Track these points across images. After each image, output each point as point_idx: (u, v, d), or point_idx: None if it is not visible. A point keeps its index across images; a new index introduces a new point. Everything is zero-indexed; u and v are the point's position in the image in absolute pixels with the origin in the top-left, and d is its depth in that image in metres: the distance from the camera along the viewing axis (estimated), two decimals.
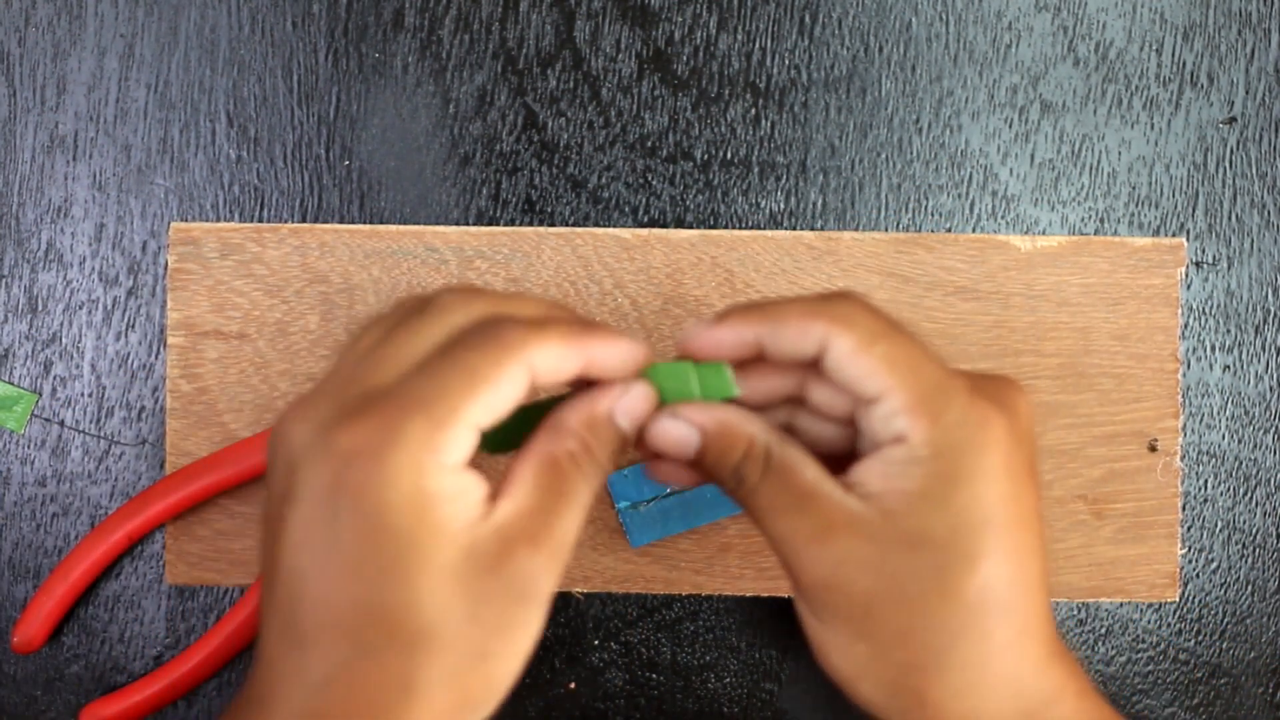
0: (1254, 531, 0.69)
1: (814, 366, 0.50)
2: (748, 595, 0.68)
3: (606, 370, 0.49)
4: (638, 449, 0.52)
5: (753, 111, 0.69)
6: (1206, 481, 0.69)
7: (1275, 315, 0.69)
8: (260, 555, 0.51)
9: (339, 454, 0.44)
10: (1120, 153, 0.69)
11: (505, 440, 0.49)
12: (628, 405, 0.50)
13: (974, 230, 0.69)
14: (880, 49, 0.69)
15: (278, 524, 0.46)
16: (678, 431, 0.50)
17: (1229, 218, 0.69)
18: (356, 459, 0.43)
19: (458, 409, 0.45)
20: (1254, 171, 0.69)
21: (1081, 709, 0.50)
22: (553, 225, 0.69)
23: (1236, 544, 0.69)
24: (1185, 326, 0.69)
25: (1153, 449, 0.68)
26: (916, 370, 0.47)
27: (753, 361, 0.51)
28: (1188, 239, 0.69)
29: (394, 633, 0.44)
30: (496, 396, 0.46)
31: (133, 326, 0.69)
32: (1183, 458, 0.69)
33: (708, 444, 0.50)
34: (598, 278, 0.67)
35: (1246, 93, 0.69)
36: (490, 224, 0.69)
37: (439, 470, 0.44)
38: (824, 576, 0.48)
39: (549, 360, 0.47)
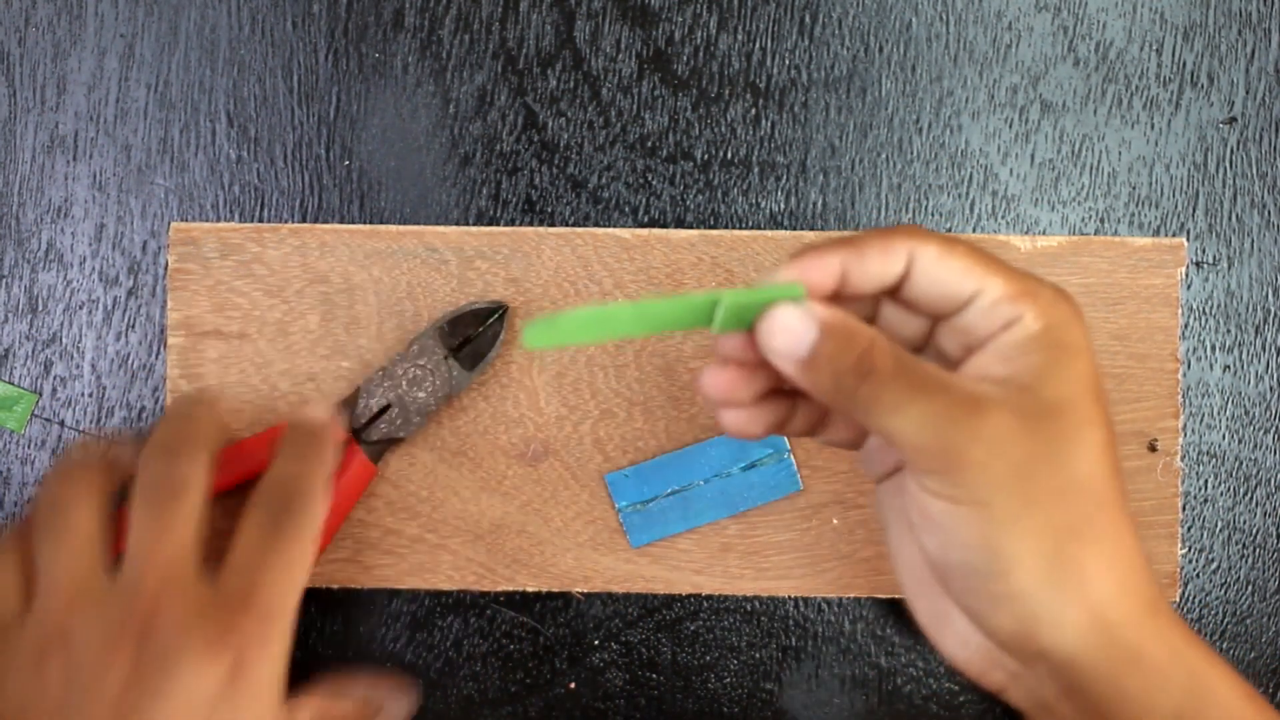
0: (1254, 531, 0.69)
1: (888, 294, 0.51)
2: (748, 595, 0.68)
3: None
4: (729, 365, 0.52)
5: (753, 111, 0.69)
6: (1206, 481, 0.69)
7: (1275, 315, 0.69)
8: None
9: (227, 656, 0.49)
10: (1120, 153, 0.69)
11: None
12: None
13: (974, 230, 0.69)
14: (880, 49, 0.69)
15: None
16: (795, 323, 0.48)
17: (1229, 218, 0.69)
18: (245, 657, 0.50)
19: (293, 606, 0.53)
20: (1254, 171, 0.69)
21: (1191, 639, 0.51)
22: (553, 225, 0.69)
23: (1236, 544, 0.69)
24: (1185, 326, 0.69)
25: (1153, 449, 0.68)
26: (999, 264, 0.49)
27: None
28: (1188, 239, 0.69)
29: None
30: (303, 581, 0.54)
31: (133, 326, 0.69)
32: (1183, 458, 0.69)
33: (828, 338, 0.48)
34: (597, 278, 0.67)
35: (1246, 93, 0.69)
36: (490, 224, 0.69)
37: (284, 662, 0.52)
38: (980, 455, 0.47)
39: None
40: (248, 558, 0.51)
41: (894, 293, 0.51)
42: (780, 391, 0.53)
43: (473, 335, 0.65)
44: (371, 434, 0.64)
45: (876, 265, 0.49)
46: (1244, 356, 0.69)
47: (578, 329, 0.47)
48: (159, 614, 0.48)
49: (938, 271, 0.49)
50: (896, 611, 0.69)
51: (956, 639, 0.52)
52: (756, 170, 0.69)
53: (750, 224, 0.69)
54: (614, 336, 0.48)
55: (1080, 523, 0.48)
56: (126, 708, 0.47)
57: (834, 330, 0.48)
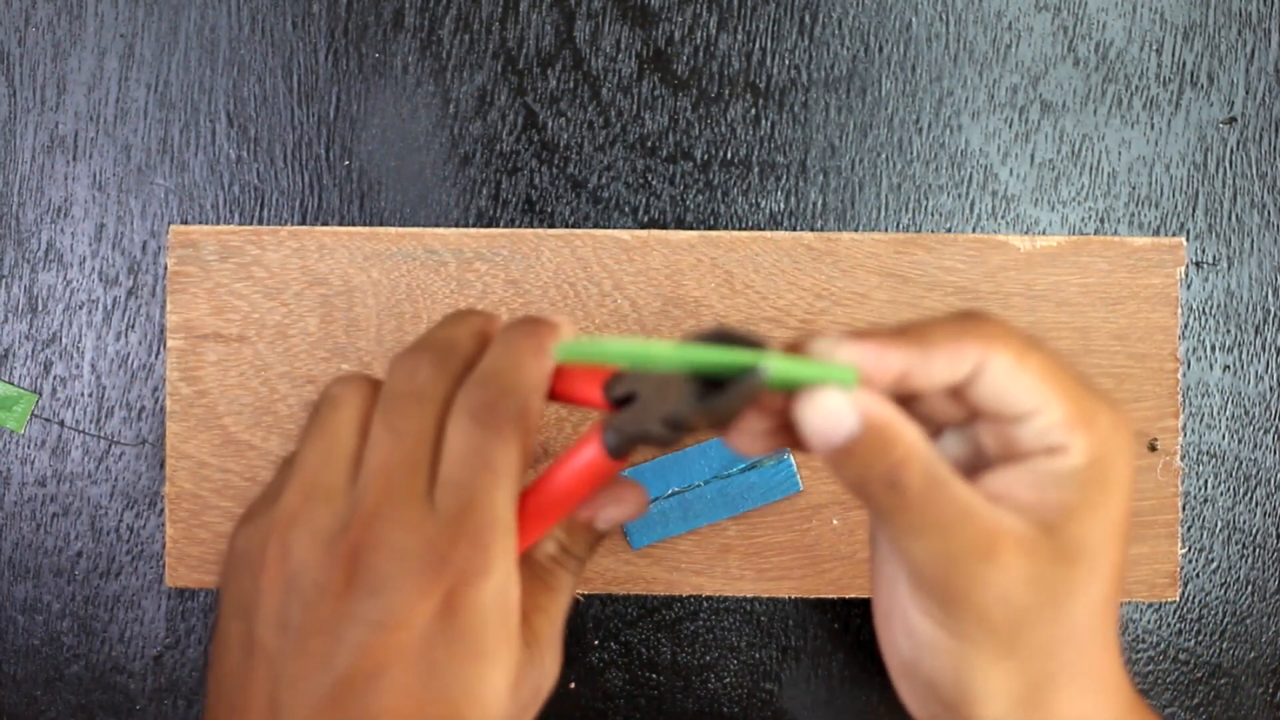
0: (1254, 531, 0.69)
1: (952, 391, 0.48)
2: (748, 596, 0.68)
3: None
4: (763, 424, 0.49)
5: (753, 111, 0.69)
6: (1206, 481, 0.69)
7: (1275, 315, 0.69)
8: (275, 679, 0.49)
9: (440, 584, 0.46)
10: (1120, 153, 0.69)
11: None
12: (612, 515, 0.54)
13: (974, 230, 0.69)
14: (880, 49, 0.69)
15: (325, 644, 0.47)
16: (838, 411, 0.45)
17: (1229, 218, 0.69)
18: (461, 587, 0.46)
19: (514, 520, 0.48)
20: (1254, 171, 0.69)
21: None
22: (553, 225, 0.69)
23: (1236, 544, 0.69)
24: (1185, 326, 0.69)
25: (1153, 449, 0.68)
26: (1068, 382, 0.46)
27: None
28: (1188, 239, 0.69)
29: None
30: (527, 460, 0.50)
31: (133, 326, 0.69)
32: (1183, 458, 0.69)
33: (867, 437, 0.45)
34: (597, 279, 0.67)
35: (1246, 93, 0.69)
36: (490, 224, 0.69)
37: (516, 583, 0.48)
38: (980, 600, 0.46)
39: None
40: (457, 471, 0.48)
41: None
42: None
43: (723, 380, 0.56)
44: (615, 421, 0.52)
45: (942, 370, 0.46)
46: (1244, 356, 0.69)
47: (614, 360, 0.47)
48: (374, 536, 0.47)
49: (1005, 384, 0.46)
50: None
51: (910, 693, 0.52)
52: (756, 170, 0.69)
53: (750, 224, 0.69)
54: (650, 369, 0.48)
55: (1061, 670, 0.47)
56: (341, 631, 0.46)
57: (875, 431, 0.45)
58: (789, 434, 0.48)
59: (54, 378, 0.69)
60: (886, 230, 0.69)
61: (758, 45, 0.69)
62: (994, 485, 0.47)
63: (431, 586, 0.46)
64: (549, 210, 0.69)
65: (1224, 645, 0.70)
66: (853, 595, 0.68)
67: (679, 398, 0.50)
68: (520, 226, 0.69)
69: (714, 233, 0.68)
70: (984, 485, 0.47)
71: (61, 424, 0.69)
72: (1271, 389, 0.69)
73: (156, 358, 0.68)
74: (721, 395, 0.48)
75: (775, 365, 0.45)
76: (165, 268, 0.68)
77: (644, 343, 0.46)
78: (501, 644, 0.47)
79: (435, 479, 0.48)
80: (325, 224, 0.69)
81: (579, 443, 0.51)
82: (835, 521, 0.67)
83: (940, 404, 0.50)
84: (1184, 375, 0.69)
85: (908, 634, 0.49)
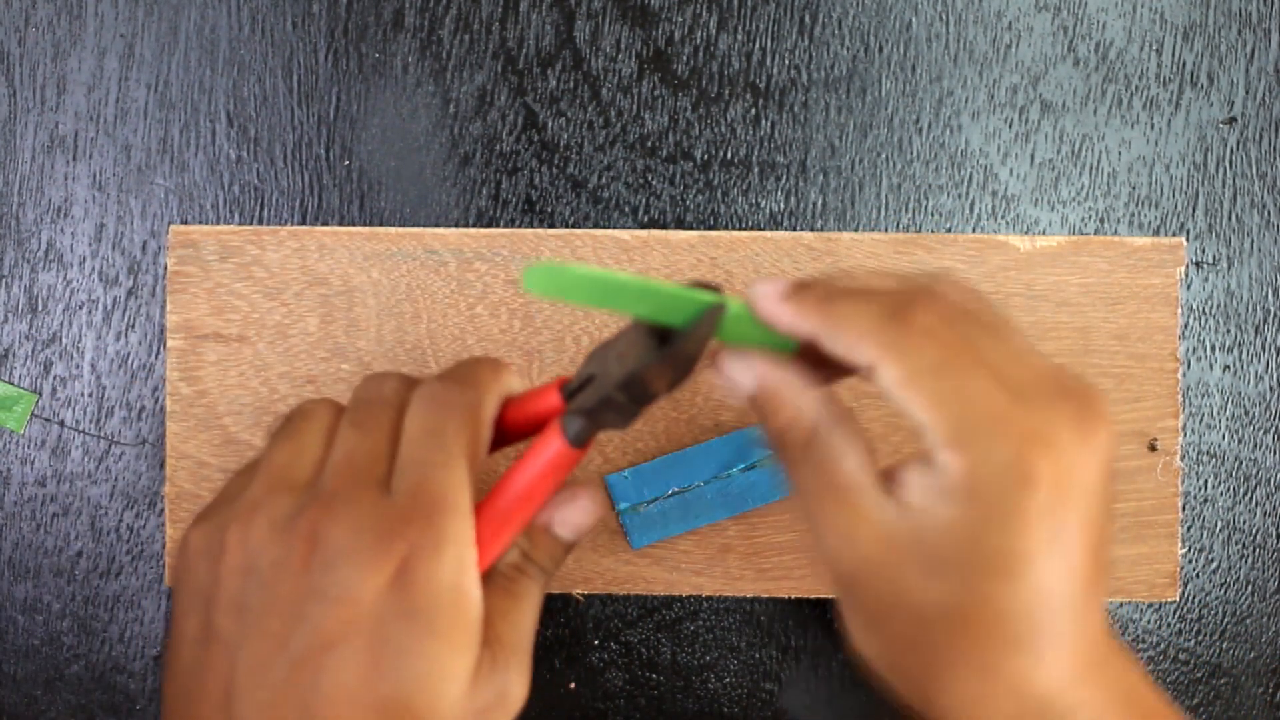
0: (1254, 531, 0.69)
1: None
2: (748, 596, 0.68)
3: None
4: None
5: (753, 111, 0.69)
6: (1206, 481, 0.69)
7: (1275, 315, 0.69)
8: (218, 657, 0.49)
9: (393, 557, 0.47)
10: (1120, 153, 0.69)
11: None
12: (568, 518, 0.54)
13: (974, 230, 0.69)
14: (880, 49, 0.69)
15: (281, 623, 0.47)
16: (736, 374, 0.51)
17: (1229, 218, 0.69)
18: (413, 560, 0.47)
19: (468, 519, 0.48)
20: (1254, 171, 0.69)
21: None
22: (553, 225, 0.69)
23: (1236, 544, 0.69)
24: (1185, 326, 0.69)
25: (1153, 449, 0.68)
26: (968, 404, 0.45)
27: None
28: (1188, 239, 0.69)
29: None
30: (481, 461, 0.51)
31: (133, 326, 0.69)
32: (1183, 458, 0.69)
33: (758, 398, 0.50)
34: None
35: (1246, 93, 0.69)
36: (490, 224, 0.69)
37: (473, 568, 0.48)
38: (846, 571, 0.48)
39: (495, 416, 0.52)
40: (410, 451, 0.49)
41: None
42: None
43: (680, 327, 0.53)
44: (571, 405, 0.53)
45: (843, 355, 0.48)
46: (1244, 356, 0.69)
47: (580, 287, 0.47)
48: (330, 513, 0.47)
49: (890, 393, 0.47)
50: None
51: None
52: (756, 170, 0.69)
53: (750, 224, 0.69)
54: (613, 307, 0.48)
55: (932, 673, 0.49)
56: (296, 608, 0.47)
57: (766, 394, 0.50)
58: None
59: (54, 378, 0.69)
60: (886, 230, 0.69)
61: (758, 45, 0.69)
62: (902, 473, 0.48)
63: (383, 559, 0.46)
64: (549, 210, 0.69)
65: (1224, 645, 0.70)
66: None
67: (637, 356, 0.50)
68: (520, 226, 0.69)
69: (714, 233, 0.68)
70: (899, 471, 0.48)
71: (61, 424, 0.69)
72: (1271, 389, 0.69)
73: (156, 358, 0.68)
74: (677, 338, 0.48)
75: (734, 305, 0.48)
76: (165, 268, 0.68)
77: (610, 273, 0.47)
78: (457, 627, 0.47)
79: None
80: (325, 224, 0.69)
81: (537, 439, 0.52)
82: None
83: None
84: (1184, 375, 0.69)
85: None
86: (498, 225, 0.69)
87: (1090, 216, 0.69)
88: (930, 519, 0.46)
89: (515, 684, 0.50)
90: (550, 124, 0.69)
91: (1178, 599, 0.68)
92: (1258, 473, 0.69)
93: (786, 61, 0.69)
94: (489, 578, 0.51)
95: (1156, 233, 0.69)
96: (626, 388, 0.50)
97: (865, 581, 0.48)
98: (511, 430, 0.53)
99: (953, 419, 0.46)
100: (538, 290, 0.47)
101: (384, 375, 0.53)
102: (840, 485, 0.48)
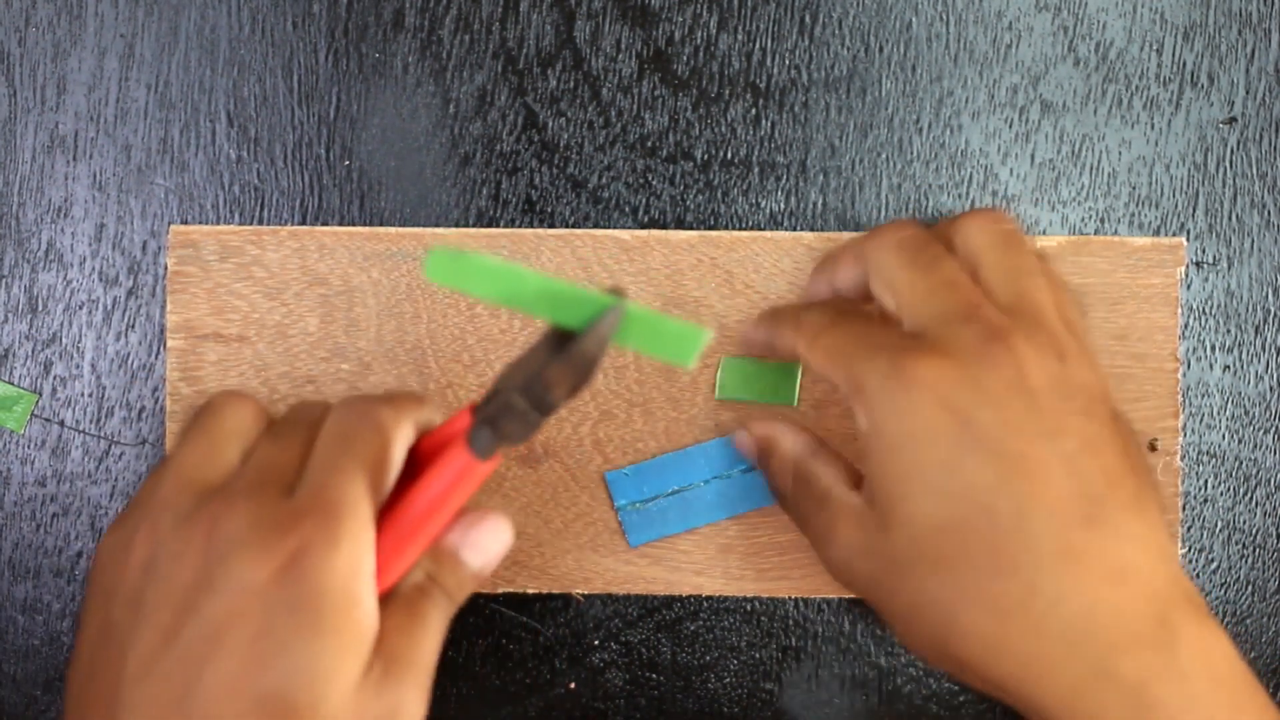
0: (1254, 531, 0.69)
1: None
2: (748, 596, 0.68)
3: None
4: None
5: (753, 111, 0.69)
6: (1206, 481, 0.69)
7: (1275, 315, 0.69)
8: (107, 650, 0.50)
9: (284, 550, 0.47)
10: (1120, 153, 0.69)
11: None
12: (475, 540, 0.54)
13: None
14: (880, 49, 0.69)
15: (172, 614, 0.47)
16: (743, 443, 0.64)
17: (1229, 218, 0.69)
18: (303, 554, 0.47)
19: (368, 516, 0.49)
20: (1254, 171, 0.69)
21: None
22: (553, 225, 0.69)
23: (1236, 544, 0.69)
24: (1185, 326, 0.69)
25: (1153, 449, 0.68)
26: (848, 352, 0.51)
27: None
28: (1188, 239, 0.69)
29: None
30: (389, 484, 0.51)
31: (133, 326, 0.69)
32: (1183, 458, 0.69)
33: (758, 453, 0.63)
34: (597, 279, 0.67)
35: (1246, 93, 0.69)
36: (490, 224, 0.69)
37: (368, 575, 0.48)
38: (838, 566, 0.56)
39: (419, 420, 0.53)
40: (315, 457, 0.49)
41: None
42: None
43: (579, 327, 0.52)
44: (479, 416, 0.53)
45: (784, 352, 0.62)
46: (1244, 356, 0.69)
47: (480, 277, 0.47)
48: (230, 509, 0.48)
49: (809, 368, 0.62)
50: None
51: None
52: (756, 170, 0.69)
53: (750, 224, 0.69)
54: (511, 304, 0.48)
55: (941, 622, 0.52)
56: (187, 599, 0.47)
57: (760, 446, 0.64)
58: None
59: (54, 378, 0.69)
60: None
61: (758, 45, 0.69)
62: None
63: (274, 551, 0.47)
64: (549, 210, 0.69)
65: None
66: (854, 595, 0.68)
67: (538, 363, 0.50)
68: (520, 226, 0.69)
69: (714, 233, 0.68)
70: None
71: (61, 424, 0.69)
72: (1271, 389, 0.69)
73: (156, 358, 0.68)
74: (575, 341, 0.48)
75: (634, 308, 0.48)
76: (165, 268, 0.68)
77: (511, 267, 0.47)
78: (346, 627, 0.47)
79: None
80: (325, 224, 0.69)
81: (442, 454, 0.53)
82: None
83: None
84: (1184, 375, 0.69)
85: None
86: (498, 225, 0.69)
87: (1090, 216, 0.69)
88: (869, 480, 0.53)
89: (411, 703, 0.50)
90: (550, 124, 0.69)
91: None
92: (1258, 473, 0.69)
93: (787, 61, 0.69)
94: (391, 595, 0.51)
95: (1156, 233, 0.69)
96: (526, 391, 0.50)
97: (852, 569, 0.55)
98: (426, 463, 0.53)
99: (841, 366, 0.54)
100: (438, 278, 0.47)
101: (314, 402, 0.55)
102: (821, 496, 0.58)
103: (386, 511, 0.52)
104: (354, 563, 0.47)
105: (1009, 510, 0.50)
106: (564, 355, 0.49)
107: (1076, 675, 0.50)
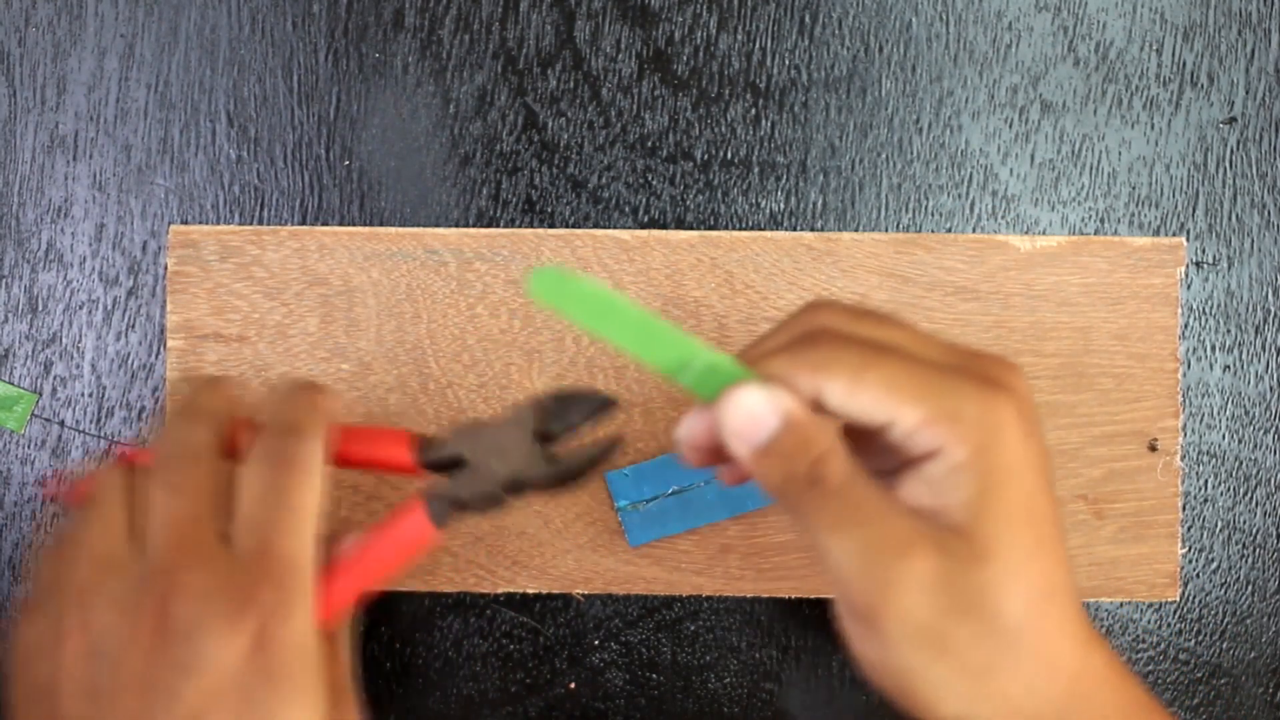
0: (1254, 531, 0.69)
1: None
2: (748, 596, 0.68)
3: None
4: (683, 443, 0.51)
5: (753, 111, 0.69)
6: (1206, 481, 0.69)
7: (1275, 315, 0.69)
8: None
9: (250, 623, 0.47)
10: (1120, 153, 0.69)
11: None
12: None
13: (974, 230, 0.69)
14: (880, 49, 0.69)
15: (139, 701, 0.47)
16: (759, 408, 0.47)
17: (1229, 218, 0.69)
18: (269, 624, 0.47)
19: (311, 554, 0.49)
20: (1254, 171, 0.69)
21: (1121, 687, 0.50)
22: (553, 225, 0.69)
23: (1236, 544, 0.69)
24: (1185, 326, 0.69)
25: (1153, 449, 0.68)
26: (919, 383, 0.46)
27: None
28: (1188, 239, 0.69)
29: None
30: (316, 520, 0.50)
31: (133, 326, 0.69)
32: (1183, 458, 0.69)
33: (788, 432, 0.47)
34: (597, 279, 0.67)
35: (1246, 93, 0.69)
36: (490, 224, 0.69)
37: (314, 624, 0.49)
38: (898, 605, 0.46)
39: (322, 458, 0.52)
40: (254, 512, 0.48)
41: None
42: None
43: (568, 435, 0.56)
44: (436, 489, 0.55)
45: (796, 386, 0.48)
46: (1244, 356, 0.69)
47: (582, 304, 0.47)
48: (177, 585, 0.47)
49: (846, 403, 0.47)
50: None
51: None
52: (756, 170, 0.69)
53: (750, 224, 0.69)
54: (608, 334, 0.48)
55: (999, 658, 0.47)
56: (155, 682, 0.46)
57: (796, 427, 0.47)
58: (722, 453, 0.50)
59: (54, 378, 0.69)
60: (887, 230, 0.69)
61: (758, 45, 0.69)
62: (902, 495, 0.48)
63: (241, 625, 0.47)
64: (549, 210, 0.69)
65: (1224, 645, 0.70)
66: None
67: (522, 457, 0.51)
68: (520, 227, 0.69)
69: (714, 233, 0.68)
70: (895, 491, 0.48)
71: (61, 424, 0.69)
72: (1271, 389, 0.69)
73: (156, 358, 0.68)
74: (570, 459, 0.50)
75: (706, 361, 0.48)
76: (165, 267, 0.68)
77: (615, 299, 0.47)
78: (311, 683, 0.48)
79: (229, 525, 0.49)
80: (325, 224, 0.69)
81: (399, 511, 0.53)
82: None
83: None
84: (1184, 375, 0.69)
85: (855, 639, 0.49)
86: (498, 225, 0.69)
87: (1090, 216, 0.69)
88: (961, 509, 0.46)
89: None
90: (550, 124, 0.69)
91: (1178, 599, 0.69)
92: (1258, 473, 0.69)
93: (786, 61, 0.69)
94: None
95: (1156, 233, 0.69)
96: (511, 489, 0.52)
97: (921, 605, 0.46)
98: (343, 462, 0.54)
99: (917, 396, 0.47)
100: (542, 295, 0.47)
101: (181, 427, 0.53)
102: (879, 510, 0.47)
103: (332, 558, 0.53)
104: (308, 618, 0.48)
105: (1067, 571, 0.49)
106: (556, 468, 0.52)
107: None
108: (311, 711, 0.47)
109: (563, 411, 0.55)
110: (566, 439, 0.53)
